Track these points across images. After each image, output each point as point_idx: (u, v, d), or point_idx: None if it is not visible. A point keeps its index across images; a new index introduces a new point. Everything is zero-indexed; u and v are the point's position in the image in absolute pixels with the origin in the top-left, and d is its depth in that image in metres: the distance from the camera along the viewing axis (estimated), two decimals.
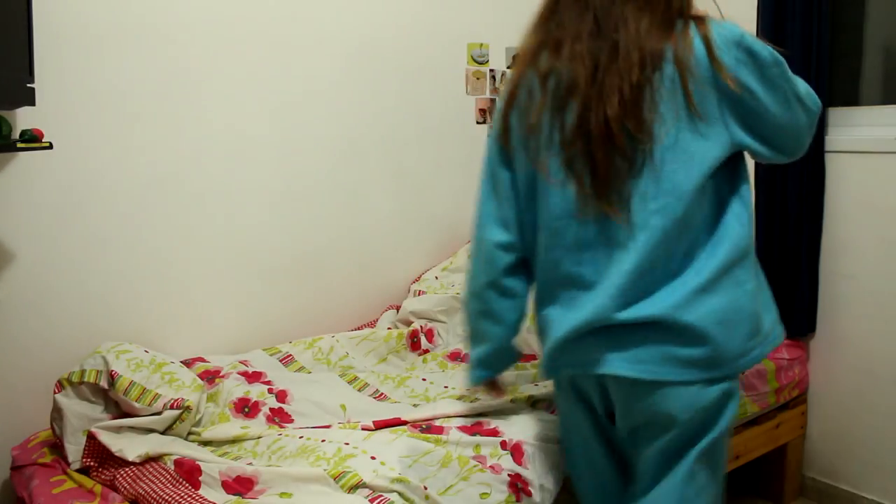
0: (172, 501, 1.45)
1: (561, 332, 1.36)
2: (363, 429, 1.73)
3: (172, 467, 1.55)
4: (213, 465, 1.55)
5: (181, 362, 1.94)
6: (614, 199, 1.26)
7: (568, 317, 1.35)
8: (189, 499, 1.46)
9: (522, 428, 1.72)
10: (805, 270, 2.38)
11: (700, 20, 1.28)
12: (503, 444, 1.65)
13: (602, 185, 1.26)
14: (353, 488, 1.46)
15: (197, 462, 1.55)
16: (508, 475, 1.59)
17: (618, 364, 1.33)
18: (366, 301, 2.53)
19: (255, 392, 1.88)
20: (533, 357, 2.24)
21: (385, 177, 2.54)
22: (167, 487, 1.50)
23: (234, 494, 1.49)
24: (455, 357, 2.26)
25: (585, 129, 1.25)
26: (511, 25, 2.81)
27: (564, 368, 1.42)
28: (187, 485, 1.51)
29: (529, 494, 1.59)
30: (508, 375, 1.91)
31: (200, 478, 1.52)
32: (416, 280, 2.61)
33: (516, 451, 1.64)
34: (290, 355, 2.16)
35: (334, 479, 1.48)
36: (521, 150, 1.38)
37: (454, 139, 2.70)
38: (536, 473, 1.63)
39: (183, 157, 2.10)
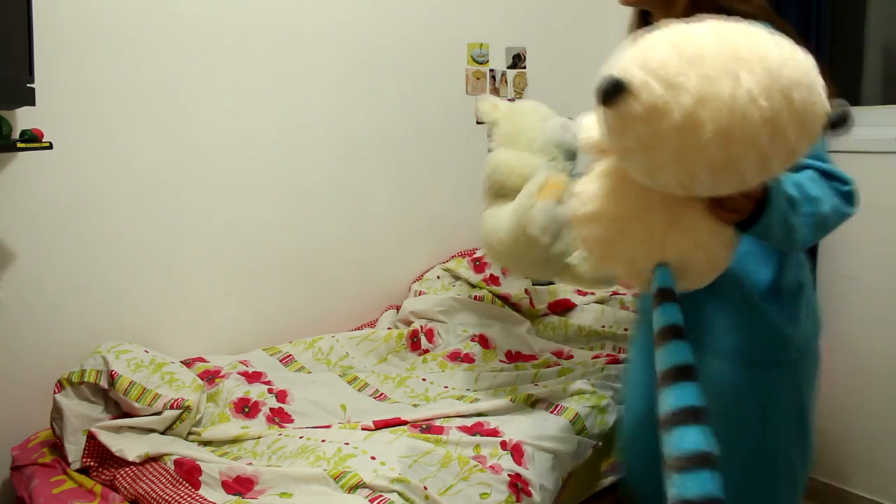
0: (172, 501, 1.45)
1: None
2: (363, 429, 1.73)
3: (172, 467, 1.55)
4: (213, 465, 1.55)
5: (181, 362, 1.94)
6: None
7: None
8: (189, 499, 1.46)
9: (522, 428, 1.72)
10: None
11: None
12: (503, 445, 1.65)
13: None
14: (353, 488, 1.46)
15: (197, 462, 1.55)
16: (508, 475, 1.59)
17: None
18: (366, 301, 2.53)
19: (255, 392, 1.88)
20: (533, 357, 2.24)
21: (385, 177, 2.54)
22: (167, 487, 1.50)
23: (234, 494, 1.48)
24: (455, 357, 2.26)
25: None
26: (511, 25, 2.82)
27: None
28: (187, 485, 1.51)
29: (529, 494, 1.59)
30: None
31: (200, 478, 1.52)
32: (417, 280, 2.61)
33: (516, 451, 1.64)
34: (290, 355, 2.16)
35: (334, 479, 1.48)
36: None
37: (454, 139, 2.70)
38: (536, 473, 1.63)
39: (183, 157, 2.09)
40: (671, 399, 1.00)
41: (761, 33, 0.98)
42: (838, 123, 1.04)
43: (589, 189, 1.12)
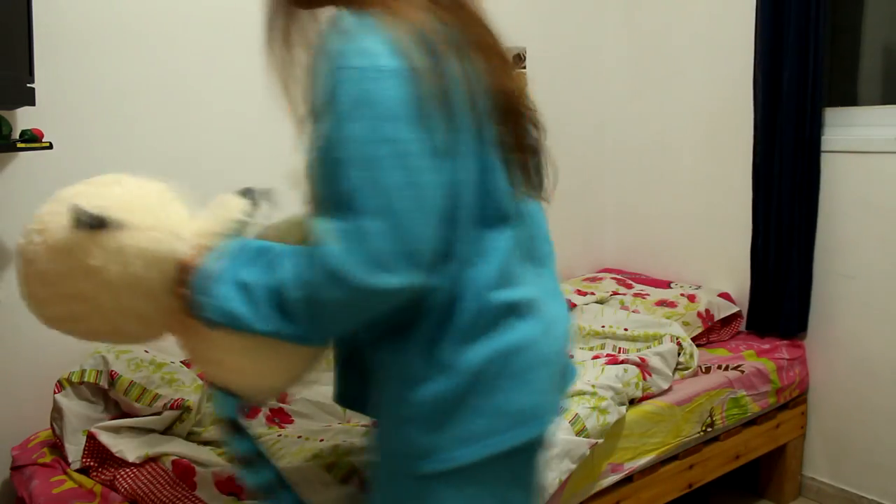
0: (169, 503, 1.45)
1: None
2: (363, 426, 1.73)
3: (170, 467, 1.55)
4: (207, 465, 1.55)
5: (181, 362, 1.94)
6: None
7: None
8: (186, 499, 1.46)
9: None
10: (796, 270, 2.38)
11: None
12: None
13: None
14: (347, 476, 1.46)
15: (192, 463, 1.55)
16: None
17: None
18: None
19: None
20: None
21: None
22: (165, 488, 1.50)
23: (229, 494, 1.48)
24: None
25: None
26: (511, 25, 2.81)
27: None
28: (185, 485, 1.51)
29: None
30: None
31: (195, 478, 1.52)
32: None
33: None
34: None
35: (327, 470, 1.48)
36: None
37: None
38: None
39: (183, 156, 2.09)
40: None
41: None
42: (91, 224, 0.96)
43: None
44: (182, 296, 0.97)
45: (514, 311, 0.97)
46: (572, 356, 1.17)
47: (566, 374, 1.11)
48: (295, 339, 0.92)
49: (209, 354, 1.03)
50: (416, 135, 0.84)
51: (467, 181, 0.91)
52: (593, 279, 2.86)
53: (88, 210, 0.95)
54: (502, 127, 0.96)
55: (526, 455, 1.01)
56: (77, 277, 0.97)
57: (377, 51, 0.84)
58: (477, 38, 0.95)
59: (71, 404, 1.73)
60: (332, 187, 0.85)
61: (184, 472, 1.53)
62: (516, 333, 0.97)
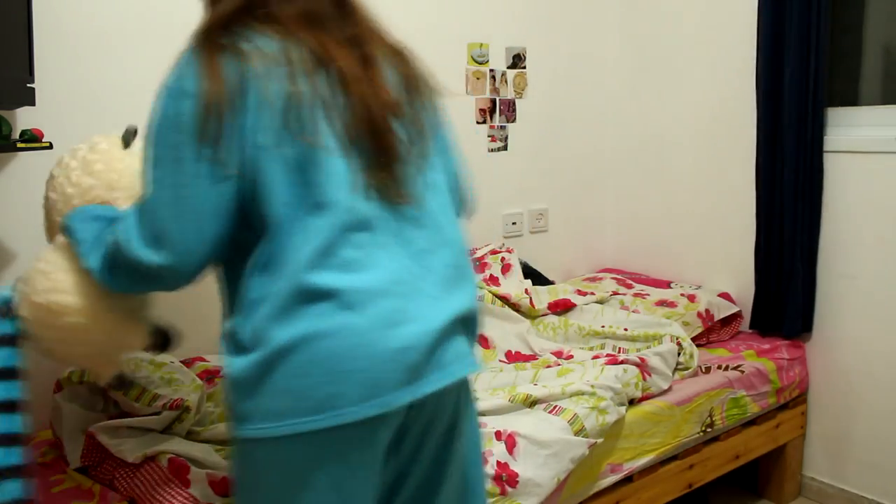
0: (165, 502, 1.46)
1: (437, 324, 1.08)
2: None
3: (167, 465, 1.55)
4: (204, 464, 1.55)
5: (180, 362, 1.94)
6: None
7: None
8: (182, 499, 1.46)
9: (518, 422, 1.73)
10: (801, 270, 2.38)
11: None
12: (497, 435, 1.67)
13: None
14: None
15: (187, 463, 1.55)
16: (497, 462, 1.60)
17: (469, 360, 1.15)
18: None
19: None
20: (533, 357, 2.24)
21: None
22: (161, 488, 1.50)
23: (222, 495, 1.49)
24: None
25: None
26: (511, 25, 2.82)
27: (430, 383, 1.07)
28: (180, 484, 1.51)
29: (514, 486, 1.61)
30: None
31: (189, 476, 1.52)
32: None
33: (509, 441, 1.65)
34: None
35: None
36: None
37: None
38: (525, 467, 1.64)
39: None
40: None
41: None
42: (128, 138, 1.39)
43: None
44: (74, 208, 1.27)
45: (332, 296, 1.01)
46: (464, 352, 1.13)
47: (429, 372, 1.06)
48: (98, 280, 1.16)
49: (48, 257, 1.28)
50: (196, 146, 1.02)
51: (274, 179, 1.03)
52: (593, 279, 2.87)
53: (136, 132, 1.37)
54: (352, 133, 1.08)
55: (334, 442, 1.02)
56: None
57: (187, 76, 1.05)
58: (335, 58, 1.10)
59: (70, 404, 1.73)
60: (142, 175, 1.08)
61: (178, 469, 1.53)
62: (329, 320, 1.00)
